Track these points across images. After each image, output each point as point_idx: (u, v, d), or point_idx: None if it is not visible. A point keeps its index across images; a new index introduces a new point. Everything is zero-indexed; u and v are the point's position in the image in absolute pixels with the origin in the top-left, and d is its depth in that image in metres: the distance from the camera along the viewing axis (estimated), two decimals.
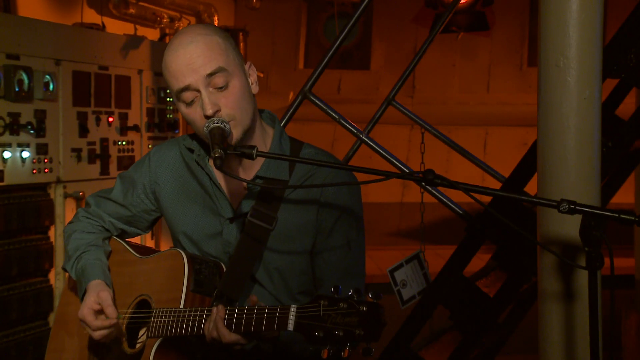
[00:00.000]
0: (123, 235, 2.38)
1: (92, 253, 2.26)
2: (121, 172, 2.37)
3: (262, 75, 8.00)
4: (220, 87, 2.01)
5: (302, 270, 2.15)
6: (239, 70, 2.05)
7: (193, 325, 1.99)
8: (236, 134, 2.03)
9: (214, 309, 1.93)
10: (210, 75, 1.99)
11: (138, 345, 2.16)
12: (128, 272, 2.27)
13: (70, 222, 2.39)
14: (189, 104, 2.03)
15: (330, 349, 1.69)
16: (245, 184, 2.12)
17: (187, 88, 2.01)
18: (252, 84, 2.10)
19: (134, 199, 2.29)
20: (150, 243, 5.27)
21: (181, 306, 2.05)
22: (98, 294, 2.14)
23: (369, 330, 1.65)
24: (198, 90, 2.00)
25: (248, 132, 2.08)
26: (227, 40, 2.07)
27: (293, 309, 1.75)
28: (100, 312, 2.14)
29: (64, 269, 2.33)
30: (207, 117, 2.00)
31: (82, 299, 2.21)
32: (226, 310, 1.91)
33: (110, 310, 2.11)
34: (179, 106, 2.07)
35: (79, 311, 2.15)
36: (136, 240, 2.45)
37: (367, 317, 1.65)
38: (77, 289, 2.26)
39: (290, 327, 1.74)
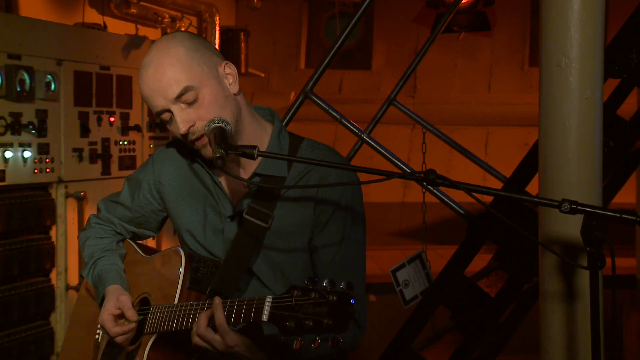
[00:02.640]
0: (134, 238, 2.41)
1: (107, 258, 2.29)
2: (128, 175, 2.38)
3: (263, 75, 8.01)
4: (191, 102, 2.01)
5: (304, 266, 2.14)
6: (208, 79, 2.03)
7: (183, 320, 2.00)
8: None
9: (215, 298, 1.92)
10: (177, 97, 2.00)
11: (137, 342, 2.18)
12: (133, 272, 2.30)
13: (83, 230, 2.42)
14: (169, 121, 2.06)
15: (302, 340, 1.69)
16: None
17: (161, 111, 2.03)
18: (230, 85, 2.08)
19: (140, 200, 2.30)
20: (151, 243, 5.27)
21: (175, 303, 2.06)
22: (118, 297, 2.16)
23: (337, 320, 1.64)
24: (170, 111, 2.02)
25: (237, 133, 2.07)
26: (192, 50, 2.03)
27: (268, 299, 1.76)
28: (120, 316, 2.15)
29: (82, 276, 2.37)
30: (183, 136, 2.02)
31: (100, 304, 2.23)
32: (210, 305, 1.92)
33: (130, 313, 2.13)
34: None
35: (99, 317, 2.17)
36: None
37: (336, 307, 1.64)
38: (95, 294, 2.28)
39: (265, 317, 1.74)
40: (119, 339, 2.14)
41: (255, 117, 2.16)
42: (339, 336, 1.67)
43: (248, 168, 2.13)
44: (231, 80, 2.08)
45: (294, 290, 1.71)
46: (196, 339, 1.94)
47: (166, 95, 2.00)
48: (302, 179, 2.10)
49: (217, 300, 1.90)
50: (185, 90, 1.99)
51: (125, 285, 2.24)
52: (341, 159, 2.19)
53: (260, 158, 2.09)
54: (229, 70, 2.09)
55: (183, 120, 2.00)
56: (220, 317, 1.88)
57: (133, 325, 2.12)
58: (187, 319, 1.99)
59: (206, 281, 2.11)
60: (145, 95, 2.04)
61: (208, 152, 2.03)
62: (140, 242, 2.43)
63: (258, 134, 2.14)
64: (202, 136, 2.02)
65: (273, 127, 2.17)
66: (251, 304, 1.81)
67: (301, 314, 1.67)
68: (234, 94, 2.08)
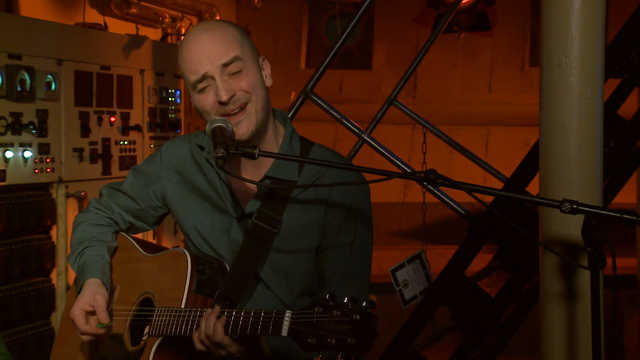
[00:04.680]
0: (131, 229, 2.38)
1: (95, 249, 2.26)
2: (134, 165, 2.37)
3: None
4: (235, 73, 2.03)
5: (308, 270, 2.14)
6: (253, 61, 2.08)
7: (192, 326, 1.98)
8: (249, 124, 2.03)
9: (212, 315, 1.92)
10: (226, 64, 2.02)
11: (140, 343, 2.17)
12: (134, 269, 2.28)
13: (82, 212, 2.40)
14: (202, 90, 2.04)
15: (322, 356, 1.69)
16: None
17: (203, 77, 2.03)
18: (265, 77, 2.13)
19: (143, 192, 2.29)
20: (151, 241, 5.28)
21: (182, 306, 2.05)
22: (94, 296, 2.14)
23: (361, 340, 1.64)
24: (213, 78, 2.02)
25: (261, 127, 2.07)
26: (243, 34, 2.10)
27: (288, 314, 1.74)
28: (92, 313, 2.13)
29: (69, 261, 2.33)
30: (222, 104, 2.01)
31: (77, 294, 2.21)
32: (224, 312, 1.91)
33: (103, 315, 2.11)
34: (191, 94, 2.08)
35: (72, 309, 2.14)
36: (138, 236, 2.45)
37: (359, 326, 1.64)
38: (76, 284, 2.26)
39: (284, 332, 1.73)
40: (84, 338, 2.13)
41: (273, 117, 2.17)
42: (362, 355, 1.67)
43: (260, 170, 2.13)
44: (266, 74, 2.14)
45: (314, 306, 1.69)
46: (199, 345, 1.93)
47: (215, 60, 2.01)
48: (314, 183, 2.10)
49: (217, 310, 1.90)
50: (234, 59, 2.02)
51: (105, 280, 2.21)
52: (350, 165, 2.18)
53: (272, 160, 2.10)
54: (265, 66, 2.15)
55: (226, 88, 2.01)
56: (219, 332, 1.87)
57: (103, 331, 2.11)
58: (196, 325, 1.97)
59: (212, 284, 2.10)
60: (189, 59, 2.03)
61: (242, 128, 2.03)
62: (139, 238, 2.41)
63: (274, 134, 2.16)
64: (242, 108, 2.03)
65: (285, 130, 2.18)
66: (269, 316, 1.79)
67: (323, 331, 1.66)
68: (266, 87, 2.13)
